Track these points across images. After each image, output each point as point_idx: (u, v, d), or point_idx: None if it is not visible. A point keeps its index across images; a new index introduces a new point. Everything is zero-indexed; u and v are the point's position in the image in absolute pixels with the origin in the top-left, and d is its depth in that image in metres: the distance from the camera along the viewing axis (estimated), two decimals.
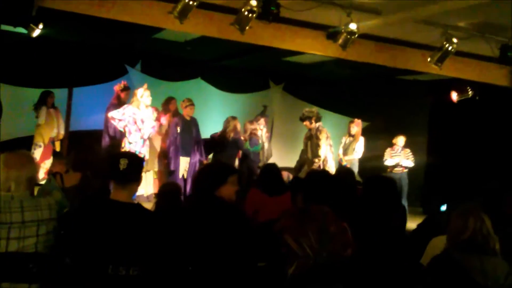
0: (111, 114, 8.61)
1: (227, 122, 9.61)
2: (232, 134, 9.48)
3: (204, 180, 3.51)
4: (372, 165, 10.78)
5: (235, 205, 3.49)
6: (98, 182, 5.14)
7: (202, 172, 3.78)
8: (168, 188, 4.80)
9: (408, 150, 10.77)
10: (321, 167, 9.27)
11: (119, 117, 8.52)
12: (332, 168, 9.40)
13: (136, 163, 3.26)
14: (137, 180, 3.31)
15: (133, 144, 8.48)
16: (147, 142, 8.80)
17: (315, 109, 9.63)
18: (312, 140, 9.47)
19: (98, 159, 8.84)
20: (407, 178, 10.65)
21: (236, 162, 9.80)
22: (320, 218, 2.52)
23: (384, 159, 10.74)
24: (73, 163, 5.62)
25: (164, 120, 9.40)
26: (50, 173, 5.94)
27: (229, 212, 3.33)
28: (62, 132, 9.77)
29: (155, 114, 8.90)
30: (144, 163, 8.82)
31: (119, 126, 8.57)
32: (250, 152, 9.92)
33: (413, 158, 10.73)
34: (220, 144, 9.62)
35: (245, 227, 3.33)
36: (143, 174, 8.57)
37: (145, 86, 8.81)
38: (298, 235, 2.47)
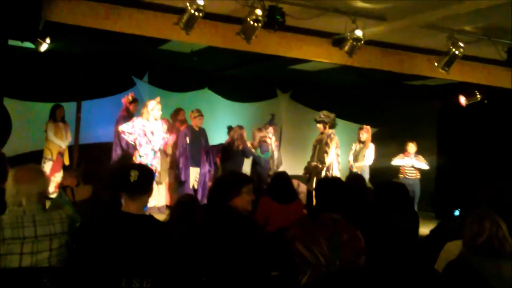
0: (121, 128, 8.61)
1: (233, 132, 9.65)
2: (239, 143, 9.50)
3: (219, 191, 3.51)
4: (383, 171, 10.76)
5: (248, 216, 3.48)
6: (109, 194, 5.13)
7: (216, 183, 3.78)
8: (184, 199, 4.78)
9: (421, 157, 10.77)
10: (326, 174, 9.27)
11: (129, 130, 8.53)
12: None
13: (146, 175, 3.26)
14: (148, 192, 3.30)
15: (143, 156, 8.48)
16: (158, 154, 8.79)
17: (333, 115, 9.60)
18: (321, 145, 9.44)
19: (108, 172, 8.89)
20: (420, 184, 10.64)
21: (247, 169, 9.84)
22: (331, 226, 2.51)
23: (392, 160, 10.78)
24: (83, 175, 5.63)
25: (171, 139, 9.35)
26: (61, 186, 5.95)
27: (241, 223, 3.31)
28: (64, 146, 9.69)
29: (165, 126, 8.89)
30: (156, 175, 8.93)
31: (130, 139, 8.57)
32: (261, 158, 9.94)
33: (426, 162, 10.74)
34: (227, 153, 9.66)
35: (257, 238, 3.31)
36: (155, 186, 8.63)
37: (158, 99, 8.80)
38: (309, 243, 2.47)
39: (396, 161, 10.78)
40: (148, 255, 3.04)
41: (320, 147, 9.43)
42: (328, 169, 9.32)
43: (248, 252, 3.21)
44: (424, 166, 10.68)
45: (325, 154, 9.32)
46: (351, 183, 5.34)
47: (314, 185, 9.19)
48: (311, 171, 9.48)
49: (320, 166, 9.29)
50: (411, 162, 10.66)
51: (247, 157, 9.77)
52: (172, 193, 9.41)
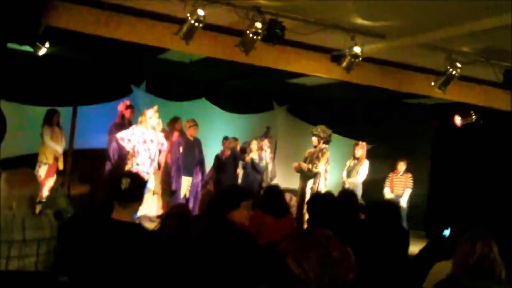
0: (121, 134, 8.58)
1: (228, 143, 9.77)
2: (228, 153, 9.64)
3: (217, 202, 3.51)
4: (375, 188, 10.82)
5: (244, 230, 3.47)
6: (102, 197, 5.13)
7: (216, 194, 3.79)
8: (177, 210, 4.74)
9: (410, 175, 10.87)
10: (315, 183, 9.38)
11: (128, 137, 8.49)
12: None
13: (138, 183, 3.26)
14: (139, 199, 3.30)
15: (140, 164, 8.45)
16: (155, 163, 8.76)
17: (329, 131, 9.71)
18: (312, 158, 9.53)
19: (101, 178, 8.88)
20: (408, 202, 10.71)
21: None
22: (323, 242, 2.50)
23: (384, 188, 10.85)
24: (79, 176, 5.64)
25: (165, 147, 9.33)
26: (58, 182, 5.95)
27: (236, 236, 3.31)
28: (60, 150, 9.68)
29: (161, 136, 8.88)
30: (154, 184, 8.91)
31: (128, 146, 8.52)
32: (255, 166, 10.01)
33: (412, 185, 10.88)
34: (220, 164, 9.75)
35: (251, 253, 3.30)
36: (148, 195, 8.58)
37: (155, 108, 8.81)
38: (300, 259, 2.45)
39: (387, 193, 10.92)
40: (135, 263, 3.03)
41: (311, 160, 9.50)
42: (314, 182, 9.42)
43: (242, 264, 3.19)
44: (406, 195, 10.79)
45: (313, 167, 9.40)
46: (344, 199, 5.34)
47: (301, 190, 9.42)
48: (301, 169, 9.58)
49: (310, 166, 9.40)
50: (399, 193, 10.76)
51: (239, 159, 9.88)
52: (163, 202, 9.38)
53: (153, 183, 8.94)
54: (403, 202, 10.71)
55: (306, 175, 9.56)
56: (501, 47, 7.59)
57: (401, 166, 11.00)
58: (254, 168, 10.05)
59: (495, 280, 3.04)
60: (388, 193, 10.95)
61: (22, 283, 3.07)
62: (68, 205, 4.11)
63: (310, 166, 9.47)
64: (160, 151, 8.95)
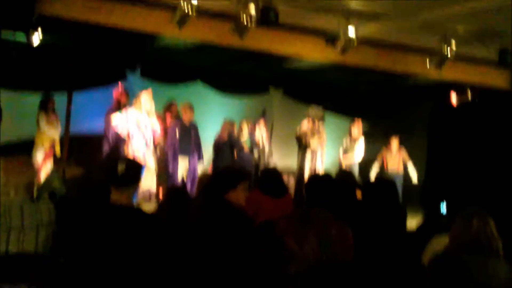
0: (115, 120, 8.56)
1: (223, 126, 9.83)
2: (225, 136, 9.68)
3: (215, 183, 3.53)
4: (370, 168, 10.89)
5: (241, 211, 3.50)
6: (98, 180, 5.14)
7: (214, 175, 3.81)
8: (175, 193, 4.75)
9: (404, 150, 10.88)
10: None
11: (123, 122, 8.47)
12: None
13: (133, 168, 3.27)
14: (135, 184, 3.32)
15: (136, 148, 8.45)
16: (151, 147, 8.75)
17: (320, 110, 9.89)
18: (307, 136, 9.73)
19: (98, 162, 8.87)
20: (403, 179, 10.78)
21: None
22: (321, 221, 2.51)
23: (372, 167, 10.87)
24: (75, 161, 5.64)
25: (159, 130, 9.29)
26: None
27: (233, 217, 3.33)
28: (57, 137, 9.67)
29: (155, 120, 8.86)
30: (152, 166, 8.88)
31: (123, 131, 8.52)
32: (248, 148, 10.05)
33: (409, 159, 10.87)
34: (216, 147, 9.80)
35: (249, 233, 3.32)
36: (151, 174, 8.55)
37: (149, 90, 8.79)
38: (299, 238, 2.46)
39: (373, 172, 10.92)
40: (133, 247, 3.04)
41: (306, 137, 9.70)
42: (311, 160, 9.55)
43: (237, 245, 3.22)
44: (411, 171, 10.79)
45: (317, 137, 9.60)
46: (342, 179, 5.36)
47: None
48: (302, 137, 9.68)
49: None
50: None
51: (236, 146, 9.92)
52: (159, 186, 9.36)
53: (152, 163, 8.85)
54: (413, 176, 10.73)
55: (304, 147, 9.67)
56: (495, 27, 7.58)
57: (394, 142, 10.92)
58: (242, 151, 10.07)
59: (492, 255, 3.06)
60: (375, 169, 10.89)
61: (21, 265, 3.08)
62: (62, 185, 4.15)
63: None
64: (154, 138, 8.93)
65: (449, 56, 8.12)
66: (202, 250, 3.15)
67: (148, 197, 8.76)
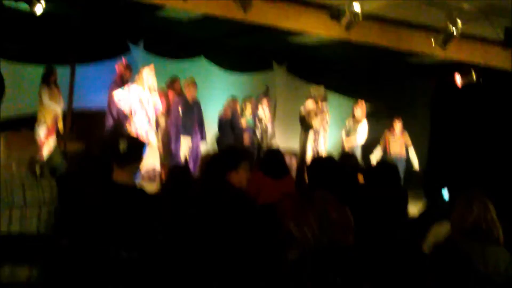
0: (117, 95, 8.50)
1: (226, 104, 9.77)
2: (229, 114, 9.64)
3: (216, 164, 3.51)
4: (373, 149, 10.83)
5: (243, 192, 3.48)
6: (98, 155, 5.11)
7: (214, 156, 3.79)
8: (177, 172, 4.74)
9: (406, 133, 10.79)
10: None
11: (125, 97, 8.41)
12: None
13: (136, 145, 3.27)
14: (137, 161, 3.32)
15: (138, 124, 8.42)
16: (153, 123, 8.71)
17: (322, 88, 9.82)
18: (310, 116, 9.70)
19: (100, 139, 8.83)
20: (405, 162, 10.71)
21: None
22: (321, 204, 2.51)
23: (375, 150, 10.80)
24: (77, 135, 5.61)
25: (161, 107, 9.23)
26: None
27: (235, 198, 3.32)
28: (60, 110, 9.60)
29: (157, 96, 8.81)
30: (155, 144, 8.85)
31: (125, 106, 8.48)
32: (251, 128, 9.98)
33: (411, 143, 10.78)
34: (218, 125, 9.77)
35: (250, 214, 3.32)
36: (154, 151, 8.52)
37: (152, 66, 8.72)
38: (299, 221, 2.47)
39: (375, 155, 10.84)
40: (136, 226, 3.05)
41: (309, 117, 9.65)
42: (314, 140, 9.54)
43: (241, 225, 3.22)
44: (412, 156, 10.71)
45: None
46: (344, 162, 5.34)
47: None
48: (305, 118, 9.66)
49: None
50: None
51: (236, 127, 9.88)
52: (162, 164, 9.36)
53: (155, 141, 8.83)
54: (414, 162, 10.66)
55: (307, 127, 9.65)
56: (501, 4, 7.49)
57: (397, 125, 10.84)
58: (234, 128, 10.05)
59: (492, 241, 3.05)
60: (378, 152, 10.86)
61: (24, 246, 3.10)
62: (62, 161, 4.16)
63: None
64: (156, 114, 8.88)
65: (455, 34, 8.04)
66: (203, 231, 3.16)
67: (153, 176, 8.76)
